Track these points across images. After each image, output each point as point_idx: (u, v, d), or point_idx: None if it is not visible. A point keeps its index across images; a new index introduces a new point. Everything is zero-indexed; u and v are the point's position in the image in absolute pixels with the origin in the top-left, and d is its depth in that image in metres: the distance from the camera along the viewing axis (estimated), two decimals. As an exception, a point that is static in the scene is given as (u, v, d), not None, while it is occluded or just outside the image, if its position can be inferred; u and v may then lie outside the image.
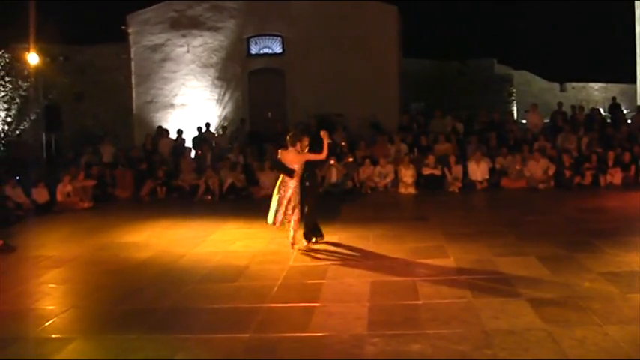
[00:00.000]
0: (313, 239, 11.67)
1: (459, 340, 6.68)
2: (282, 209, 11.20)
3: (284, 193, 11.22)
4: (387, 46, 24.87)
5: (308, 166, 11.46)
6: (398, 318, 7.49)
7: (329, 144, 11.44)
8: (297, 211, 11.29)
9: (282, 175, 11.38)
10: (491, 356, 6.25)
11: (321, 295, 8.59)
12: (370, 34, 24.53)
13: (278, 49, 25.29)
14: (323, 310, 7.92)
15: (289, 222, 11.32)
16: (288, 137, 11.58)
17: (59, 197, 17.84)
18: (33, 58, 22.36)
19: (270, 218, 11.32)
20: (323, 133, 11.44)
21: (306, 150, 11.48)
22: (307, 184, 11.44)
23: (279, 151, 11.65)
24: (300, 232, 11.59)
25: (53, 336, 7.44)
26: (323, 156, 11.48)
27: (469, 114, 23.38)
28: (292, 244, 11.39)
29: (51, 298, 9.12)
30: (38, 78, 23.44)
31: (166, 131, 23.43)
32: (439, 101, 28.94)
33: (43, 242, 13.27)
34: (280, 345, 6.79)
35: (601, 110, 25.65)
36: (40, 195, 17.58)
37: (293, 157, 11.24)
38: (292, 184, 11.22)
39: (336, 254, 10.98)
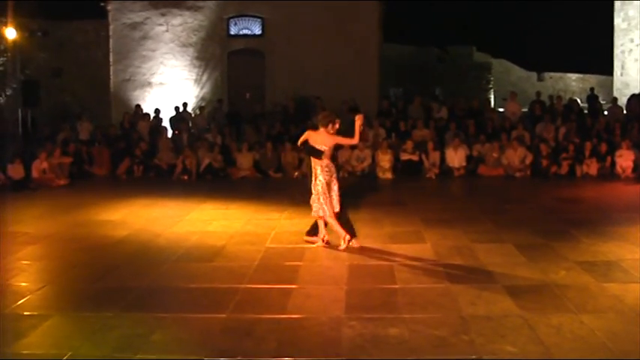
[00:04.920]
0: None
1: (436, 325, 6.70)
2: (327, 198, 10.40)
3: (329, 178, 10.43)
4: (368, 31, 24.88)
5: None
6: (375, 302, 7.51)
7: (360, 131, 10.48)
8: (337, 201, 10.52)
9: (313, 162, 10.50)
10: (468, 342, 6.27)
11: (299, 277, 8.59)
12: (351, 18, 24.50)
13: (258, 31, 25.21)
14: (300, 292, 7.92)
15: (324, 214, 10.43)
16: (320, 117, 10.77)
17: (35, 174, 17.67)
18: (10, 33, 22.12)
19: (319, 210, 10.45)
20: (358, 117, 10.47)
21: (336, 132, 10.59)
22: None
23: (308, 131, 10.80)
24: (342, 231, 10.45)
25: (28, 313, 7.36)
26: (355, 140, 10.67)
27: (452, 100, 23.49)
28: (323, 239, 10.45)
29: (26, 274, 9.01)
30: (15, 53, 23.20)
31: (144, 112, 23.25)
32: (418, 87, 29.04)
33: (19, 219, 13.11)
34: (257, 326, 6.77)
35: (579, 101, 25.80)
36: (16, 171, 17.42)
37: (324, 138, 10.41)
38: (332, 171, 10.46)
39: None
